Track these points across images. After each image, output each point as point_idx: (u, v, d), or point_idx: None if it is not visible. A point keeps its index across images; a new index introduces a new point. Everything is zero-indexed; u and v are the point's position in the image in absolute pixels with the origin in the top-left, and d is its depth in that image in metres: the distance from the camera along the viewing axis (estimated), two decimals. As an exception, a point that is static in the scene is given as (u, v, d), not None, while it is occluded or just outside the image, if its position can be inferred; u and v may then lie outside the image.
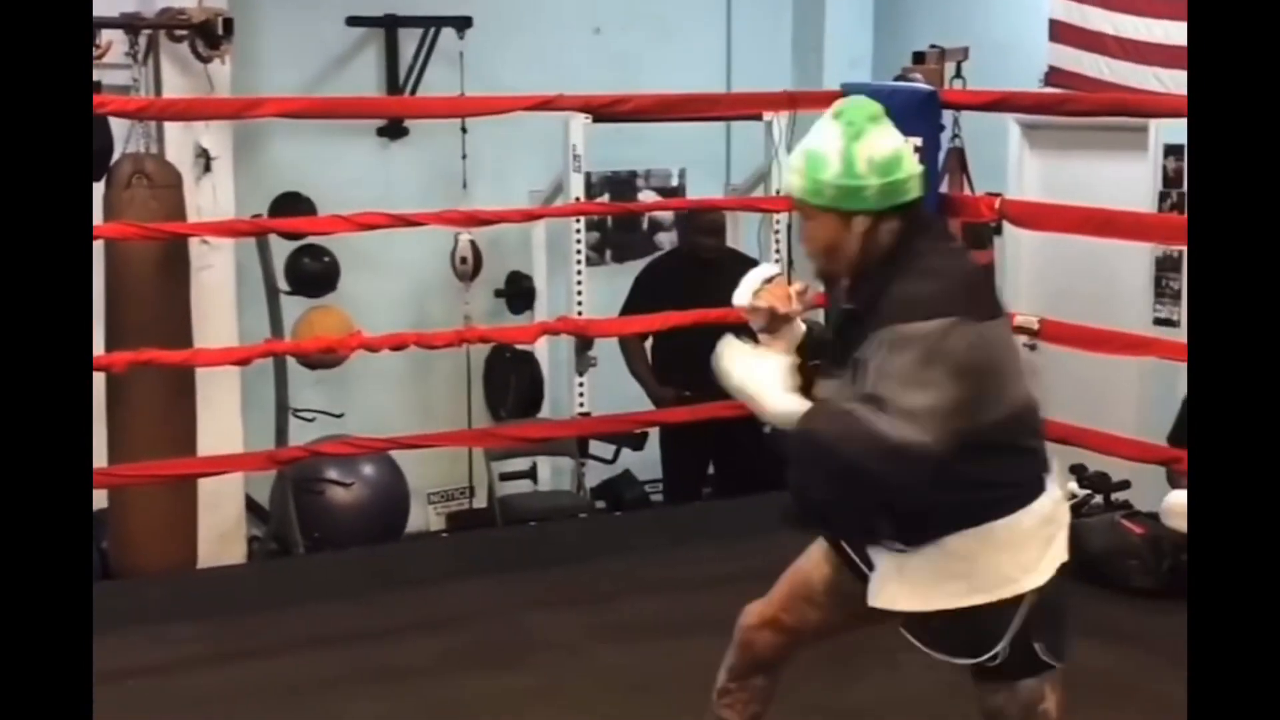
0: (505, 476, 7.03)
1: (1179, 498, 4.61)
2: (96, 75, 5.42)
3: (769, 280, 3.11)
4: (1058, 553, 2.97)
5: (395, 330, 5.77)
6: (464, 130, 6.85)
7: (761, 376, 2.92)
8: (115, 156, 5.46)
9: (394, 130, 7.13)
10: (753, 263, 6.80)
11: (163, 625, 4.84)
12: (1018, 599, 2.90)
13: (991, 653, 2.91)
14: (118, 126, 5.45)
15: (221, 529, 6.13)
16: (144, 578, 5.46)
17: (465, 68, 6.93)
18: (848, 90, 5.71)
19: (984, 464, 2.87)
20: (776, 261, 7.00)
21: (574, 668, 4.56)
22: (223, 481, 5.86)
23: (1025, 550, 2.93)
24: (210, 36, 5.72)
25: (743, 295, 3.11)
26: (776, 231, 7.00)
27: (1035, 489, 2.97)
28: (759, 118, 6.86)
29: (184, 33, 5.78)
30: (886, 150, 2.91)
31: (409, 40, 7.10)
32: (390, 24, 7.08)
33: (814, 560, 3.24)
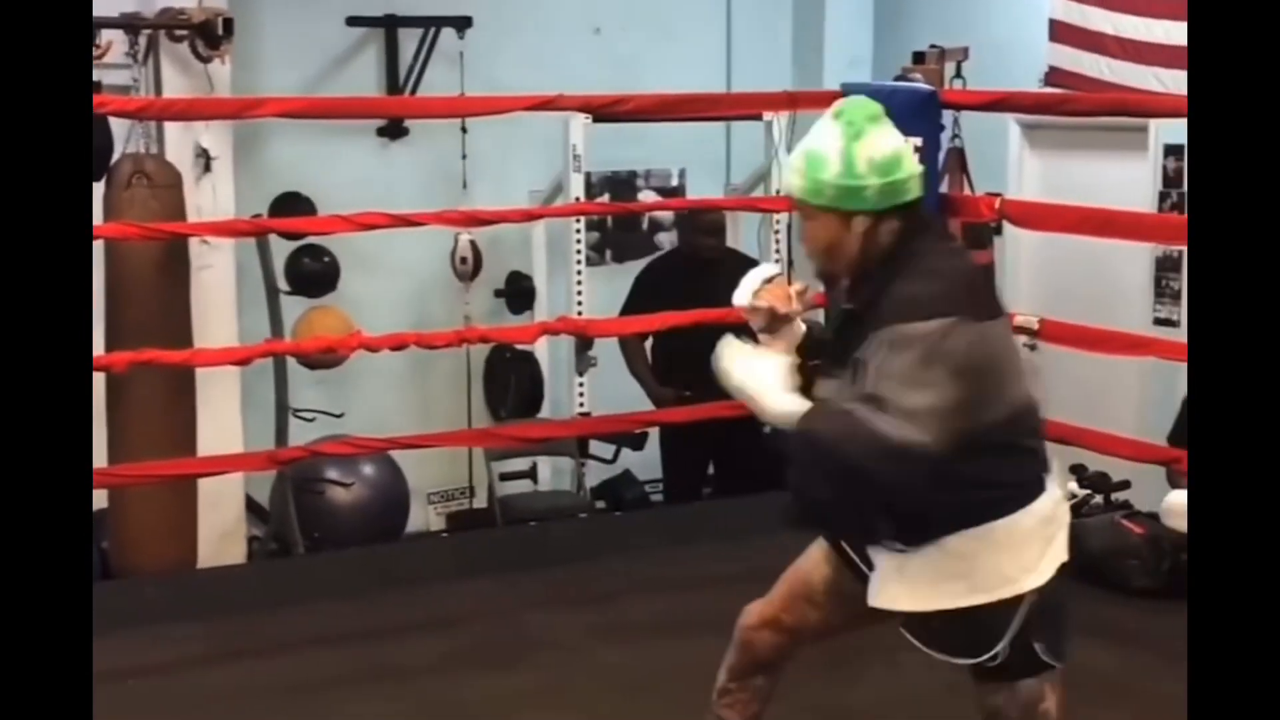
0: (505, 476, 7.03)
1: (1179, 498, 4.61)
2: (96, 75, 5.42)
3: (769, 280, 3.10)
4: (1058, 553, 2.97)
5: (395, 330, 5.78)
6: (464, 130, 6.85)
7: (762, 376, 2.92)
8: (115, 156, 5.47)
9: (394, 130, 7.13)
10: (753, 262, 6.81)
11: (162, 625, 4.85)
12: (1017, 599, 2.91)
13: (991, 653, 2.91)
14: (117, 126, 5.46)
15: (222, 529, 6.13)
16: (144, 577, 5.46)
17: (465, 68, 6.93)
18: (847, 90, 5.71)
19: (984, 464, 2.88)
20: (777, 261, 7.01)
21: (574, 667, 4.57)
22: (223, 481, 5.87)
23: (1025, 550, 2.94)
24: (210, 36, 5.72)
25: (743, 295, 3.11)
26: (777, 231, 7.00)
27: (1035, 489, 2.98)
28: (759, 118, 6.87)
29: (184, 33, 5.78)
30: (887, 150, 2.91)
31: (409, 40, 7.10)
32: (390, 24, 7.07)
33: (813, 560, 3.24)
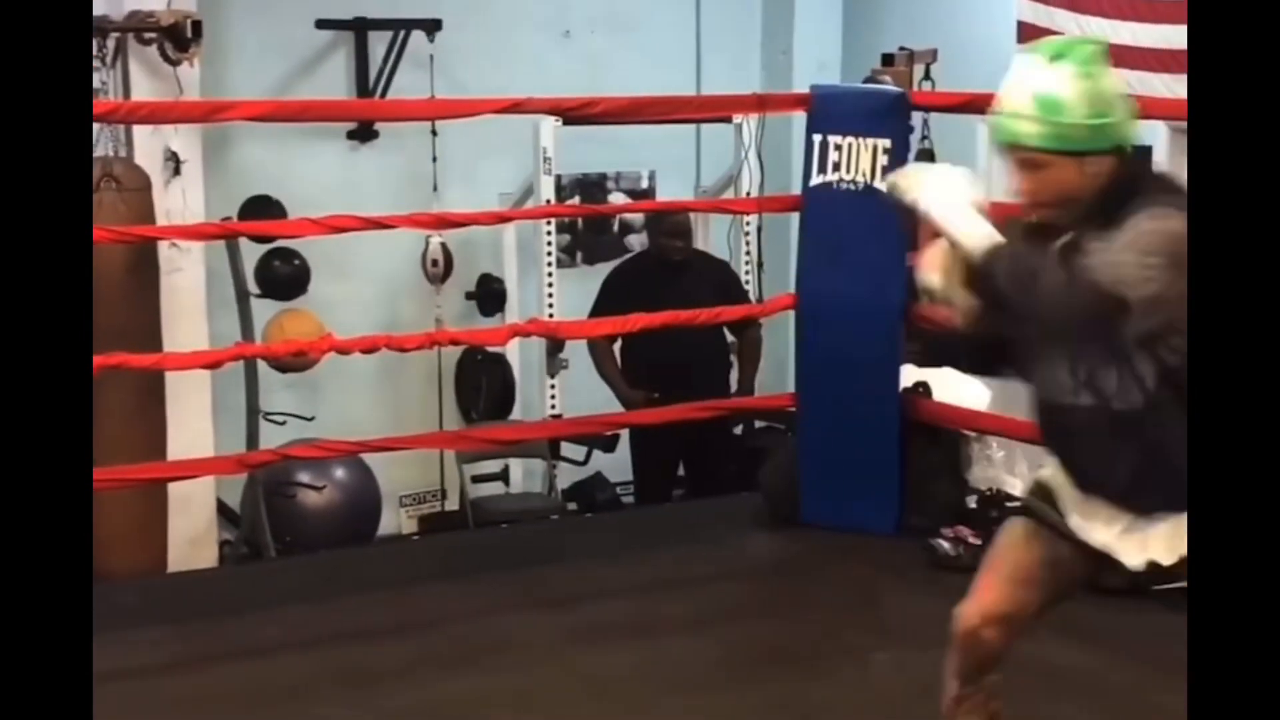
0: (477, 479, 7.04)
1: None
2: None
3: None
4: None
5: (366, 333, 5.77)
6: (434, 133, 6.85)
7: (956, 195, 2.89)
8: (84, 160, 5.46)
9: (364, 133, 7.12)
10: (721, 264, 6.89)
11: (133, 629, 4.81)
12: None
13: None
14: (86, 130, 5.44)
15: (192, 533, 6.12)
16: (114, 582, 5.44)
17: (435, 70, 6.93)
18: (818, 92, 5.74)
19: None
20: (747, 259, 7.03)
21: (546, 669, 4.56)
22: (193, 485, 5.85)
23: None
24: (179, 39, 5.71)
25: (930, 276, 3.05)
26: (747, 233, 7.03)
27: None
28: (728, 120, 6.89)
29: (153, 35, 5.77)
30: (1117, 87, 2.86)
31: (379, 43, 7.09)
32: (360, 27, 7.07)
33: (1014, 543, 3.12)
